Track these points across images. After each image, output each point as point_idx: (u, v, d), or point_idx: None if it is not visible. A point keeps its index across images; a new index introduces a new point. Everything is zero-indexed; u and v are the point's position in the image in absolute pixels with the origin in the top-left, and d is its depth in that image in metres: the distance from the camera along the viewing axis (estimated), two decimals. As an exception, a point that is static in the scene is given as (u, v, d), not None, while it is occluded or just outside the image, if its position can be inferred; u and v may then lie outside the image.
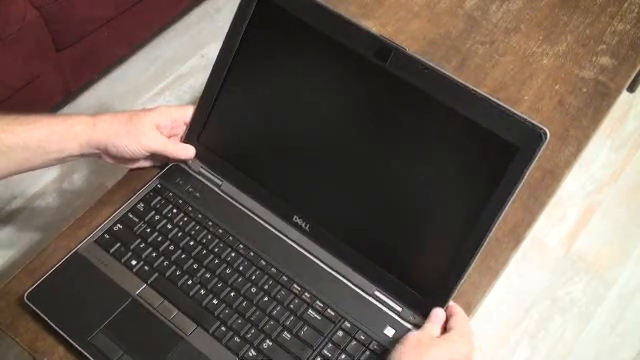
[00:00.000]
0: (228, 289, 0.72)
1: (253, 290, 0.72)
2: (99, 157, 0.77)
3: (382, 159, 0.72)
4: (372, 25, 1.00)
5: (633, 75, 0.96)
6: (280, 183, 0.78)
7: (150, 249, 0.75)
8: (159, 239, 0.76)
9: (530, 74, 0.94)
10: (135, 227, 0.77)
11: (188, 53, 1.76)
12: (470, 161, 0.69)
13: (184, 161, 0.81)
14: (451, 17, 1.01)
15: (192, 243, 0.76)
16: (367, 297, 0.72)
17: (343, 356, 0.69)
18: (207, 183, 0.81)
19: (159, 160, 0.82)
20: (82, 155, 0.76)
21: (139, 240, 0.76)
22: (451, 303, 0.70)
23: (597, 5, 1.02)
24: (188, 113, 0.81)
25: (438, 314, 0.69)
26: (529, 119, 0.64)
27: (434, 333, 0.68)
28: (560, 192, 0.88)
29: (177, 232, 0.77)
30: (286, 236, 0.77)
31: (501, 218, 0.66)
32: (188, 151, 0.81)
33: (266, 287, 0.72)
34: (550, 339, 1.33)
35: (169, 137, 0.81)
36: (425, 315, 0.70)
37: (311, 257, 0.75)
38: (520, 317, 1.35)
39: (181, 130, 0.82)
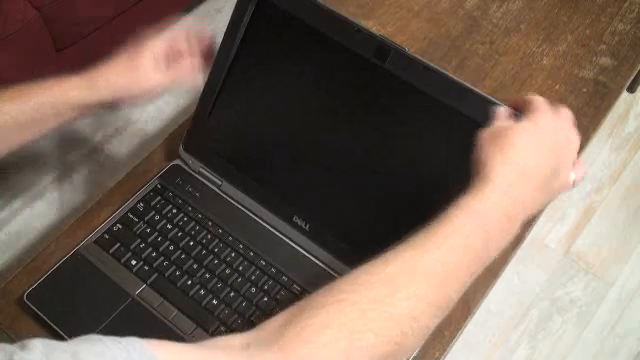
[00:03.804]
0: (228, 289, 0.72)
1: (253, 290, 0.72)
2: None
3: (382, 159, 0.72)
4: (372, 25, 0.99)
5: (633, 75, 0.96)
6: (280, 183, 0.78)
7: (150, 249, 0.75)
8: (159, 239, 0.76)
9: (530, 74, 0.94)
10: (135, 227, 0.77)
11: (188, 53, 1.76)
12: (470, 161, 0.68)
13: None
14: (451, 17, 1.01)
15: (192, 243, 0.76)
16: (367, 297, 0.72)
17: (343, 356, 0.68)
18: (207, 183, 0.81)
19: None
20: (82, 115, 0.71)
21: (139, 240, 0.76)
22: (524, 97, 0.60)
23: (597, 5, 1.02)
24: (179, 37, 0.75)
25: (500, 111, 0.60)
26: (529, 119, 0.64)
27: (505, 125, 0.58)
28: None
29: (177, 232, 0.77)
30: (286, 236, 0.76)
31: (501, 218, 0.66)
32: (196, 79, 0.76)
33: (266, 287, 0.72)
34: (550, 339, 1.33)
35: (170, 68, 0.74)
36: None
37: (311, 257, 0.75)
38: (520, 317, 1.35)
39: (179, 56, 0.75)
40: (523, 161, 0.54)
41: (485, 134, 0.57)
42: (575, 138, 0.59)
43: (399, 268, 0.49)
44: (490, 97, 0.66)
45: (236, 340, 0.45)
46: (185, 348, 0.41)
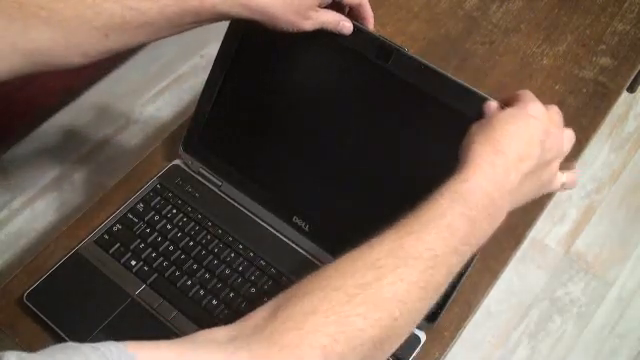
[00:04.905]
0: (227, 290, 0.72)
1: (252, 291, 0.72)
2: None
3: (383, 160, 0.72)
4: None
5: (633, 75, 0.96)
6: (280, 184, 0.78)
7: (149, 249, 0.75)
8: (159, 239, 0.76)
9: (530, 74, 0.94)
10: (135, 227, 0.77)
11: (188, 53, 1.76)
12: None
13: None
14: (451, 17, 1.01)
15: (191, 243, 0.76)
16: (367, 297, 0.72)
17: (343, 356, 0.68)
18: (207, 183, 0.81)
19: None
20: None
21: (139, 240, 0.76)
22: (515, 93, 0.60)
23: (597, 5, 1.02)
24: None
25: (490, 106, 0.60)
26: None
27: None
28: (560, 192, 0.88)
29: (176, 232, 0.77)
30: (285, 236, 0.76)
31: (501, 218, 0.66)
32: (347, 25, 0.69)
33: (265, 288, 0.72)
34: (550, 339, 1.33)
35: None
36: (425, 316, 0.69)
37: (310, 258, 0.75)
38: (520, 317, 1.35)
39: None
40: (507, 146, 0.53)
41: (474, 126, 0.57)
42: (569, 132, 0.59)
43: (384, 253, 0.49)
44: (490, 98, 0.66)
45: (220, 333, 0.44)
46: (165, 349, 0.40)
